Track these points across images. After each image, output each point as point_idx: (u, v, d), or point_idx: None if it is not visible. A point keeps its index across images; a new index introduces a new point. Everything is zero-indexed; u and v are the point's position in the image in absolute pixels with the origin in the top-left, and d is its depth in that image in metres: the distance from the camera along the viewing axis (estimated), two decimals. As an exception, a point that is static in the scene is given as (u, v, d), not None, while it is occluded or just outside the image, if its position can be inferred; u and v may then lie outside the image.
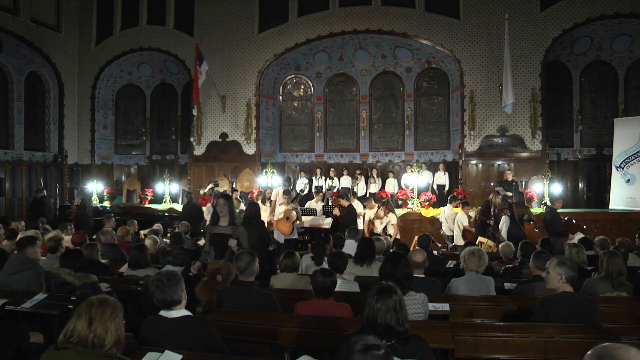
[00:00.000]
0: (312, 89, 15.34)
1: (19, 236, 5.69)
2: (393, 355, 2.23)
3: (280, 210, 8.94)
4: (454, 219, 9.99)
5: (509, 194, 11.06)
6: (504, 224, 9.28)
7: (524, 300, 4.02)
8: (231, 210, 5.07)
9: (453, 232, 9.96)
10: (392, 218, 9.02)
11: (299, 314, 3.53)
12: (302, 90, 15.44)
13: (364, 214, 9.64)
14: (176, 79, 15.97)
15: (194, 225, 9.56)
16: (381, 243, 6.00)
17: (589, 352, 1.62)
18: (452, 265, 6.20)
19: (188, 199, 11.69)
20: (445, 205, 10.67)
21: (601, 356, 1.58)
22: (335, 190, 13.08)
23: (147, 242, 6.59)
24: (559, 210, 9.18)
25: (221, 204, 5.05)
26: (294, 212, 8.59)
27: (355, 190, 12.26)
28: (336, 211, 9.08)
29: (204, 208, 11.16)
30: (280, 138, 15.37)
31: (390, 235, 8.53)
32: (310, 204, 10.51)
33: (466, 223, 9.59)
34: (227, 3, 13.99)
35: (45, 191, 12.67)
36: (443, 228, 10.36)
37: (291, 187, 12.06)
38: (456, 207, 10.14)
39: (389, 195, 12.42)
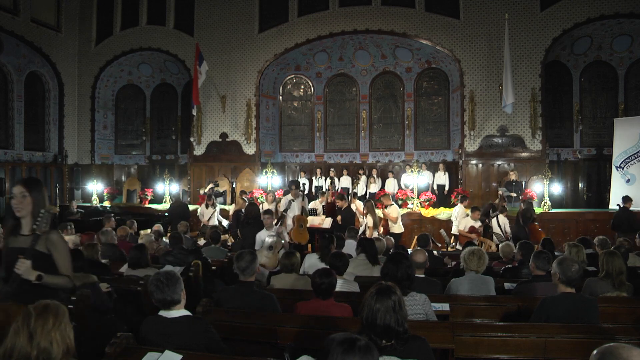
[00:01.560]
0: (312, 89, 15.34)
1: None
2: (393, 356, 2.24)
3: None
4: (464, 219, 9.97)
5: (514, 194, 11.12)
6: (505, 224, 9.31)
7: (524, 300, 4.02)
8: (35, 208, 2.91)
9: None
10: (368, 220, 9.04)
11: (299, 314, 3.54)
12: (302, 90, 15.44)
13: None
14: (176, 79, 15.98)
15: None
16: (381, 243, 6.00)
17: (593, 352, 1.65)
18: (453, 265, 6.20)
19: (175, 198, 11.67)
20: (449, 204, 10.66)
21: (604, 354, 1.61)
22: (335, 190, 13.09)
23: (142, 240, 6.59)
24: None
25: (17, 195, 2.93)
26: (279, 239, 6.37)
27: (355, 190, 12.23)
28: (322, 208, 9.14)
29: (199, 208, 11.15)
30: (280, 138, 15.37)
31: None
32: (314, 204, 10.50)
33: (462, 227, 9.37)
34: (227, 3, 13.99)
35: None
36: (453, 228, 10.27)
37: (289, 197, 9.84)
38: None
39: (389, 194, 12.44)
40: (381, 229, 9.29)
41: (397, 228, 9.59)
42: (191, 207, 12.74)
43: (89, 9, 15.24)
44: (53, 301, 2.06)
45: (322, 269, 3.67)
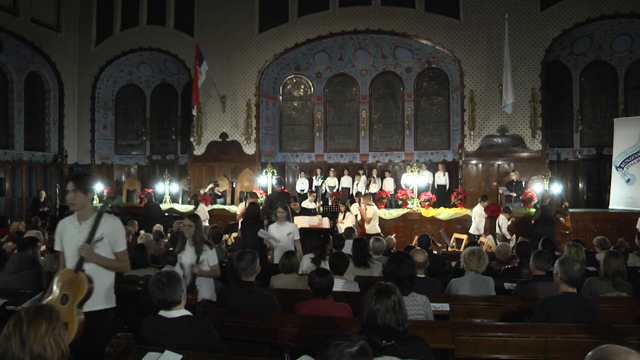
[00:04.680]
0: (312, 89, 15.33)
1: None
2: (393, 356, 2.24)
3: None
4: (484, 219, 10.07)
5: (514, 194, 11.14)
6: (502, 224, 9.32)
7: (524, 300, 4.02)
8: None
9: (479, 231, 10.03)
10: (352, 218, 9.16)
11: (299, 314, 3.54)
12: (302, 90, 15.44)
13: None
14: (176, 79, 15.97)
15: (155, 224, 9.30)
16: (381, 243, 6.00)
17: (589, 354, 1.60)
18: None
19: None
20: (449, 204, 10.68)
21: (600, 358, 1.57)
22: (335, 190, 13.10)
23: (142, 240, 6.59)
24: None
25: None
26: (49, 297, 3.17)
27: (361, 190, 12.19)
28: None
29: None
30: (280, 138, 15.36)
31: None
32: (305, 204, 10.49)
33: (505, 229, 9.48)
34: (227, 3, 13.98)
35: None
36: (472, 228, 10.29)
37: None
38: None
39: (389, 195, 12.46)
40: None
41: (372, 229, 9.57)
42: (190, 207, 12.74)
43: (89, 9, 15.22)
44: (46, 304, 1.99)
45: (318, 268, 3.68)
